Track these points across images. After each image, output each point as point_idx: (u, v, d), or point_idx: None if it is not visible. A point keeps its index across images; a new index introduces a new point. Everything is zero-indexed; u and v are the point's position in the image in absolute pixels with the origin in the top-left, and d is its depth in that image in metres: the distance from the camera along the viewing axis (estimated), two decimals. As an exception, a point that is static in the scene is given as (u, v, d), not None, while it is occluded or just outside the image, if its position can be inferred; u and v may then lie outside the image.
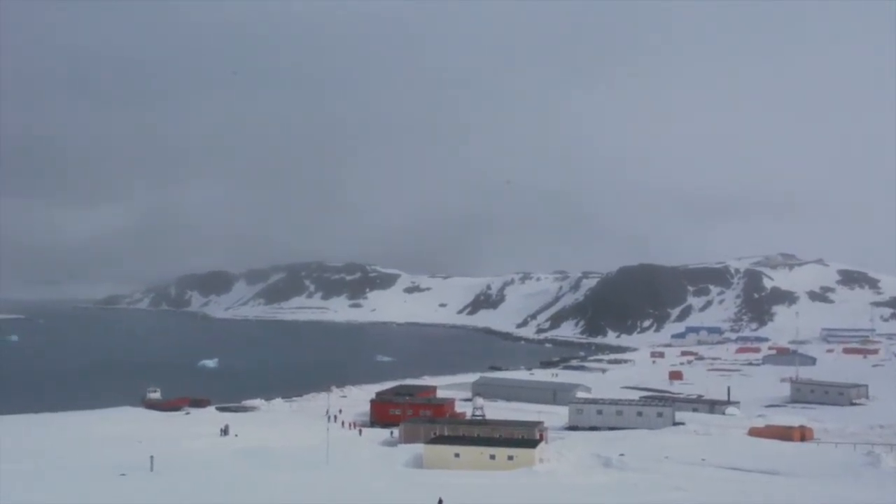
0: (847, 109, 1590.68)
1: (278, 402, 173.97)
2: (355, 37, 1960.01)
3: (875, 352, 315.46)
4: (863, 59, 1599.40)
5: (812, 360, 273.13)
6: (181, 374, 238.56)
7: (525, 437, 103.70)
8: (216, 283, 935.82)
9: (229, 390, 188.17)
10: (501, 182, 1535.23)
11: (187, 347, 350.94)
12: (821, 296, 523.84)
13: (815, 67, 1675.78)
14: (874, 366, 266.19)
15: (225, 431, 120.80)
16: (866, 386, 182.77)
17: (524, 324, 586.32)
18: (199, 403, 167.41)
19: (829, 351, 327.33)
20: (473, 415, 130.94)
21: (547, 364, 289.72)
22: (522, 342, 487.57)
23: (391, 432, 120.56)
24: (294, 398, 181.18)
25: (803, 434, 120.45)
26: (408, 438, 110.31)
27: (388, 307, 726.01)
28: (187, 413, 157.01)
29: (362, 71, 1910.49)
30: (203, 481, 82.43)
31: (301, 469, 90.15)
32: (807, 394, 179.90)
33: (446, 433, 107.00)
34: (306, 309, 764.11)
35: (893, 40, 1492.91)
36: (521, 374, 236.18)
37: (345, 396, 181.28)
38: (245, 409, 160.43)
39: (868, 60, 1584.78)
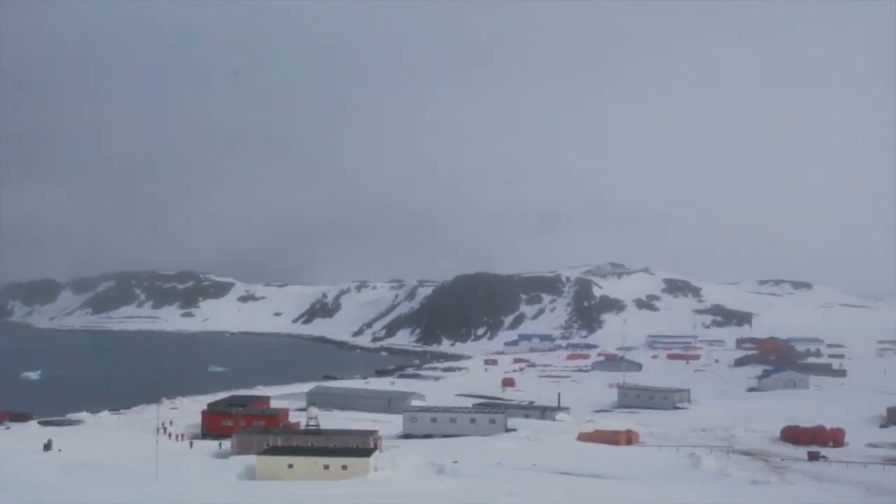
0: (674, 126, 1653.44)
1: (105, 414, 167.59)
2: (182, 41, 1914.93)
3: (697, 357, 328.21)
4: (682, 78, 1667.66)
5: (638, 366, 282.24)
6: (1, 386, 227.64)
7: (359, 446, 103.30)
8: (41, 291, 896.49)
9: (53, 403, 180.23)
10: (339, 191, 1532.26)
11: (8, 359, 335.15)
12: (647, 304, 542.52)
13: (640, 81, 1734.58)
14: (696, 371, 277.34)
15: (48, 446, 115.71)
16: (689, 390, 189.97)
17: (360, 332, 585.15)
18: (20, 418, 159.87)
19: (655, 357, 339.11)
20: (308, 425, 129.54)
21: (382, 372, 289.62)
22: (358, 351, 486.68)
23: (220, 444, 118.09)
24: (122, 411, 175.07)
25: (629, 438, 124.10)
26: (241, 450, 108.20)
27: (221, 316, 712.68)
28: (7, 428, 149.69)
29: (198, 75, 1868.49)
30: (26, 499, 78.79)
31: (129, 483, 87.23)
32: (633, 399, 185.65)
33: (280, 444, 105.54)
34: (136, 318, 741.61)
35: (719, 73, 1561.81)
36: (356, 383, 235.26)
37: (175, 408, 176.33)
38: (70, 423, 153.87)
39: (687, 76, 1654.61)
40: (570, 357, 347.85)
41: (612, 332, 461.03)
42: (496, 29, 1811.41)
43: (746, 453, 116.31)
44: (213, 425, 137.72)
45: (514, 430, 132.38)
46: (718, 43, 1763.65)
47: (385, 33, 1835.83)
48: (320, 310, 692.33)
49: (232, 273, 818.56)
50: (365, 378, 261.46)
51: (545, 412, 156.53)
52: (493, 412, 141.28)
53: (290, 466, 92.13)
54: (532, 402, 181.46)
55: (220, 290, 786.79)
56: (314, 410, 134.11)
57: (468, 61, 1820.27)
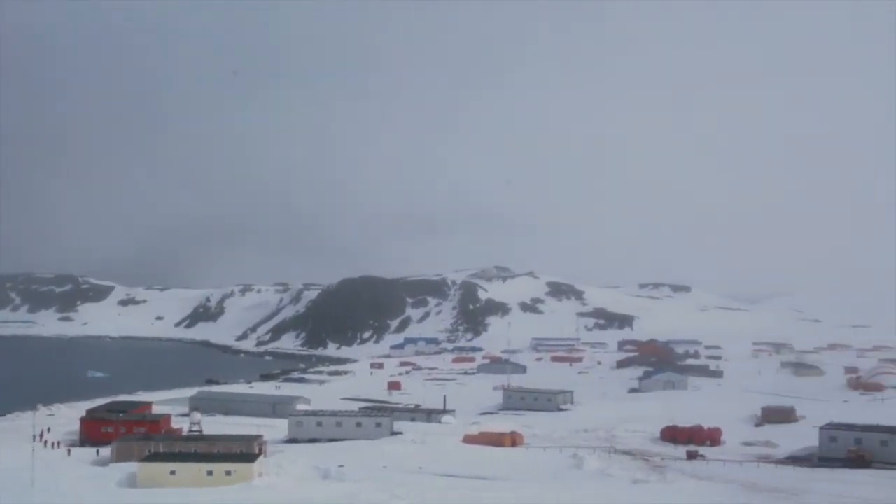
0: (557, 131, 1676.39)
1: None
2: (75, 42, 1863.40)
3: (580, 359, 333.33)
4: (565, 81, 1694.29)
5: (523, 369, 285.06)
6: None
7: (244, 451, 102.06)
8: None
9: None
10: (223, 193, 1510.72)
11: None
12: (531, 307, 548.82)
13: (526, 83, 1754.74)
14: (580, 373, 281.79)
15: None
16: (572, 392, 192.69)
17: (244, 336, 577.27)
18: None
19: (539, 359, 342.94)
20: (190, 430, 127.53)
21: (267, 377, 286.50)
22: (242, 355, 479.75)
23: (97, 451, 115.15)
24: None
25: (514, 440, 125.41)
26: (121, 457, 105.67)
27: (101, 321, 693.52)
28: None
29: (77, 72, 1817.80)
30: None
31: (4, 493, 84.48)
32: (518, 401, 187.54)
33: (162, 450, 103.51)
34: (10, 323, 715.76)
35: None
36: (240, 388, 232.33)
37: (52, 415, 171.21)
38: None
39: (571, 78, 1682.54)
40: (455, 360, 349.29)
41: (497, 335, 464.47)
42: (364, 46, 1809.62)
43: (628, 453, 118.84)
44: (93, 432, 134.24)
45: (400, 433, 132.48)
46: (605, 46, 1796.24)
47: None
48: (203, 314, 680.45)
49: (112, 276, 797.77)
50: (249, 383, 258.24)
51: (431, 415, 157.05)
52: (378, 416, 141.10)
53: (173, 473, 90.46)
54: (418, 406, 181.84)
55: (99, 294, 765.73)
56: (197, 416, 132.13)
57: (360, 65, 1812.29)
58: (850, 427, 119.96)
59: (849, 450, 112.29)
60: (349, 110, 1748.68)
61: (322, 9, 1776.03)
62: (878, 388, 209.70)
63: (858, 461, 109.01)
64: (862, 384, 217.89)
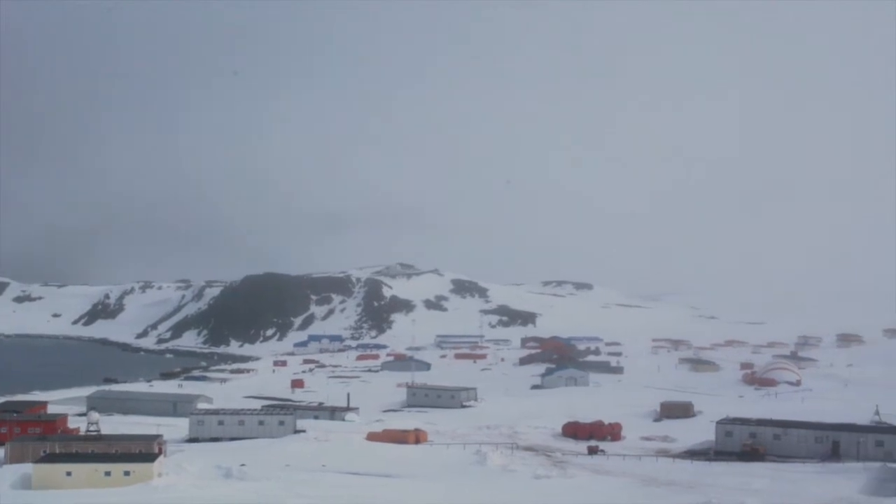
0: (462, 128, 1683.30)
1: None
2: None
3: (483, 356, 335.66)
4: (473, 80, 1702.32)
5: (427, 366, 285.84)
6: None
7: (143, 451, 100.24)
8: None
9: None
10: (123, 189, 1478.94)
11: None
12: (436, 304, 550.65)
13: (433, 82, 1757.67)
14: (483, 370, 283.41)
15: None
16: (475, 389, 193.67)
17: (144, 334, 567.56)
18: None
19: (443, 356, 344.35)
20: (88, 430, 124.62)
21: (168, 375, 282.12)
22: (142, 353, 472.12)
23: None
24: None
25: (418, 437, 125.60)
26: (15, 458, 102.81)
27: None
28: None
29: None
30: None
31: None
32: (422, 398, 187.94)
33: (58, 451, 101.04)
34: None
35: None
36: (140, 387, 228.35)
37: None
38: None
39: (477, 77, 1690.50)
40: (359, 357, 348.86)
41: (402, 333, 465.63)
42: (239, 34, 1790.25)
43: (530, 449, 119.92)
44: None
45: (304, 431, 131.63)
46: (507, 47, 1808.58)
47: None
48: (102, 311, 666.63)
49: (7, 272, 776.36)
50: (149, 381, 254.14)
51: (335, 413, 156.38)
52: (281, 414, 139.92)
53: (69, 474, 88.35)
54: (321, 403, 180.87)
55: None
56: (95, 415, 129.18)
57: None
58: (745, 421, 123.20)
59: (743, 443, 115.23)
60: (253, 108, 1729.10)
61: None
62: (771, 383, 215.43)
63: (753, 454, 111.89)
64: (756, 379, 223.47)
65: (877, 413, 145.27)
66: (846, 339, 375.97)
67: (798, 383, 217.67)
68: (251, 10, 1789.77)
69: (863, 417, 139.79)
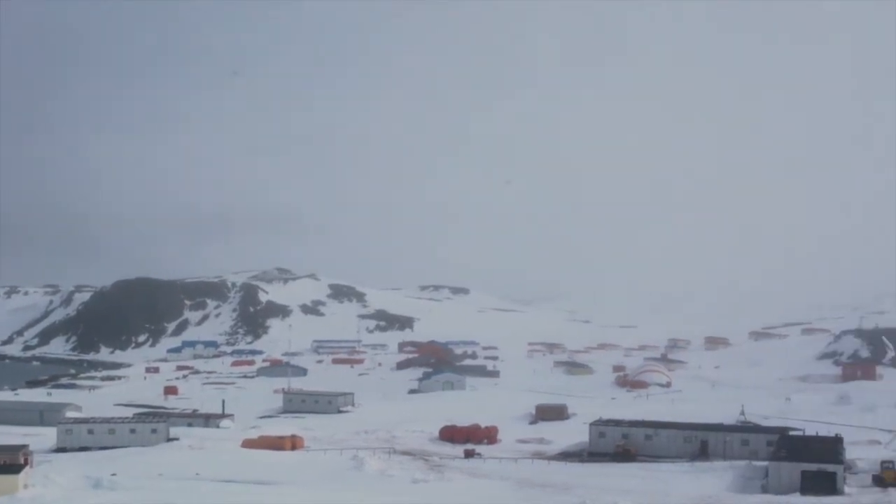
0: (334, 131, 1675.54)
1: None
2: None
3: (361, 361, 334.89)
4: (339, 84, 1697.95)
5: (304, 371, 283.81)
6: None
7: (7, 462, 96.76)
8: None
9: None
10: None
11: None
12: (313, 309, 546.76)
13: (315, 85, 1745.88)
14: (360, 374, 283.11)
15: None
16: (353, 394, 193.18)
17: (10, 341, 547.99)
18: None
19: (320, 361, 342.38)
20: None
21: (34, 383, 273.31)
22: (7, 361, 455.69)
23: None
24: None
25: (294, 443, 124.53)
26: None
27: None
28: None
29: None
30: None
31: None
32: (298, 403, 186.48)
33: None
34: None
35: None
36: (4, 395, 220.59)
37: None
38: None
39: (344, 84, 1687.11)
40: (235, 363, 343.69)
41: (278, 338, 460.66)
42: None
43: (407, 453, 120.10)
44: None
45: (177, 439, 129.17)
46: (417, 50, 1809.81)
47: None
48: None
49: None
50: (14, 389, 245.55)
51: (209, 420, 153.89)
52: (154, 421, 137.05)
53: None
54: (196, 410, 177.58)
55: None
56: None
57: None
58: (618, 423, 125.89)
59: (616, 444, 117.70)
60: (123, 107, 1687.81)
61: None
62: (643, 385, 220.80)
63: (625, 455, 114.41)
64: (629, 382, 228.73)
65: (742, 413, 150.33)
66: (713, 342, 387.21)
67: (668, 385, 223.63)
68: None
69: (729, 417, 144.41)
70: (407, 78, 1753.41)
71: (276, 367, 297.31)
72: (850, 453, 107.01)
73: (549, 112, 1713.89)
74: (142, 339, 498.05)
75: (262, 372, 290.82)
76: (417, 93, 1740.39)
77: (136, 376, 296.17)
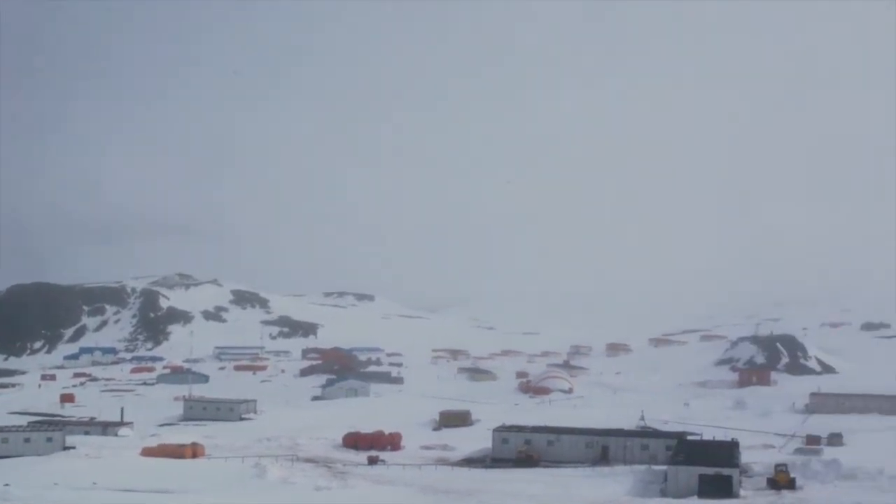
0: (244, 140, 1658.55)
1: None
2: None
3: (264, 368, 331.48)
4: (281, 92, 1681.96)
5: (205, 378, 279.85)
6: None
7: None
8: None
9: None
10: None
11: None
12: (215, 315, 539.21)
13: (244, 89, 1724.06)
14: (263, 381, 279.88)
15: None
16: (255, 401, 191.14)
17: None
18: None
19: (222, 368, 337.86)
20: None
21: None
22: None
23: None
24: None
25: (195, 451, 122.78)
26: None
27: None
28: None
29: None
30: None
31: None
32: (199, 411, 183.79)
33: None
34: None
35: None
36: None
37: None
38: None
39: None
40: (134, 370, 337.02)
41: (180, 344, 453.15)
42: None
43: (310, 460, 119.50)
44: None
45: (74, 447, 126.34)
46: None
47: None
48: None
49: None
50: None
51: (107, 428, 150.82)
52: (49, 430, 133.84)
53: None
54: (93, 418, 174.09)
55: None
56: None
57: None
58: (520, 429, 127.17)
59: (518, 450, 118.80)
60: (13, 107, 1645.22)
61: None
62: (545, 391, 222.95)
63: (527, 460, 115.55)
64: (531, 388, 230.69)
65: (642, 418, 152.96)
66: (615, 349, 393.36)
67: (570, 391, 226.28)
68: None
69: (630, 423, 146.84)
70: (305, 84, 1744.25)
71: (177, 374, 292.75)
72: (746, 457, 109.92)
73: (451, 119, 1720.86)
74: (37, 345, 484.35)
75: (162, 379, 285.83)
76: (320, 99, 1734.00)
77: (32, 384, 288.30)
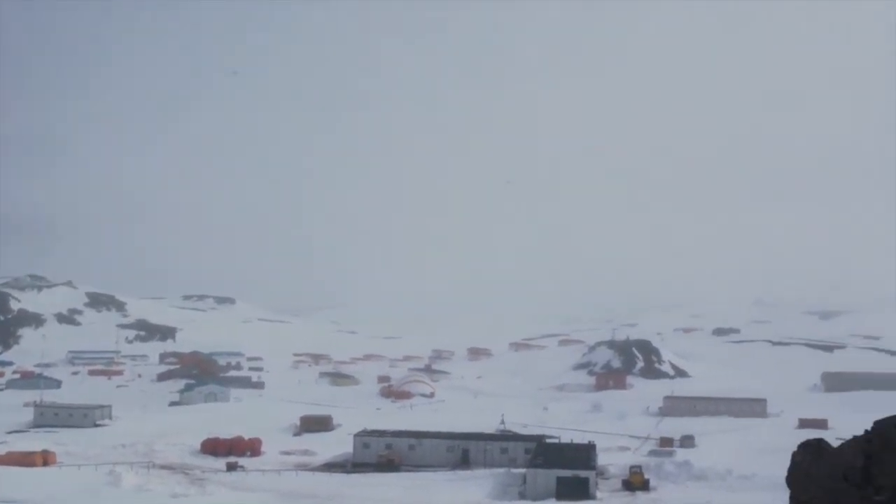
0: (95, 139, 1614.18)
1: None
2: None
3: (120, 373, 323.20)
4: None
5: (57, 383, 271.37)
6: None
7: None
8: None
9: None
10: None
11: None
12: (69, 318, 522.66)
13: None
14: (119, 386, 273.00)
15: None
16: (110, 407, 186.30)
17: None
18: None
19: (76, 373, 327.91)
20: None
21: None
22: None
23: None
24: None
25: (46, 459, 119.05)
26: None
27: None
28: None
29: None
30: None
31: None
32: (51, 417, 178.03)
33: None
34: None
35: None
36: None
37: None
38: None
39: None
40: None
41: (31, 349, 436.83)
42: None
43: (167, 467, 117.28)
44: None
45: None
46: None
47: None
48: None
49: None
50: None
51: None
52: None
53: None
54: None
55: None
56: None
57: None
58: (381, 433, 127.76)
59: (379, 454, 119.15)
60: None
61: None
62: (407, 395, 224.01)
63: (389, 465, 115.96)
64: (393, 392, 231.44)
65: (502, 422, 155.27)
66: (476, 353, 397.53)
67: (432, 395, 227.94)
68: None
69: (490, 427, 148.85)
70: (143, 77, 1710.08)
71: (28, 380, 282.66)
72: (603, 459, 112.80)
73: (317, 123, 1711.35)
74: None
75: (11, 384, 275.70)
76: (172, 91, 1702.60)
77: None
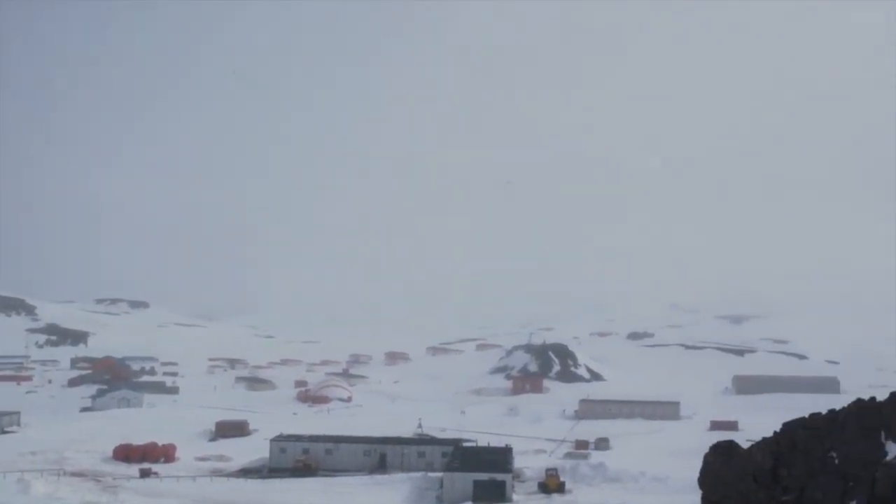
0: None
1: None
2: None
3: (29, 378, 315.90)
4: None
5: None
6: None
7: None
8: None
9: None
10: None
11: None
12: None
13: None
14: (28, 392, 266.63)
15: None
16: (19, 413, 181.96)
17: None
18: None
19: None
20: None
21: None
22: None
23: None
24: None
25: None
26: None
27: None
28: None
29: None
30: None
31: None
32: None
33: None
34: None
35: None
36: None
37: None
38: None
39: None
40: None
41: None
42: None
43: (79, 474, 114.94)
44: None
45: None
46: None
47: None
48: None
49: None
50: None
51: None
52: None
53: None
54: None
55: None
56: None
57: None
58: (298, 438, 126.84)
59: (296, 459, 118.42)
60: None
61: None
62: (324, 400, 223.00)
63: (305, 469, 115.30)
64: (310, 397, 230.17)
65: (420, 426, 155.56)
66: (393, 357, 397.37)
67: (349, 399, 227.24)
68: None
69: (408, 431, 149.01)
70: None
71: None
72: (519, 462, 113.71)
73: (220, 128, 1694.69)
74: None
75: None
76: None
77: None
